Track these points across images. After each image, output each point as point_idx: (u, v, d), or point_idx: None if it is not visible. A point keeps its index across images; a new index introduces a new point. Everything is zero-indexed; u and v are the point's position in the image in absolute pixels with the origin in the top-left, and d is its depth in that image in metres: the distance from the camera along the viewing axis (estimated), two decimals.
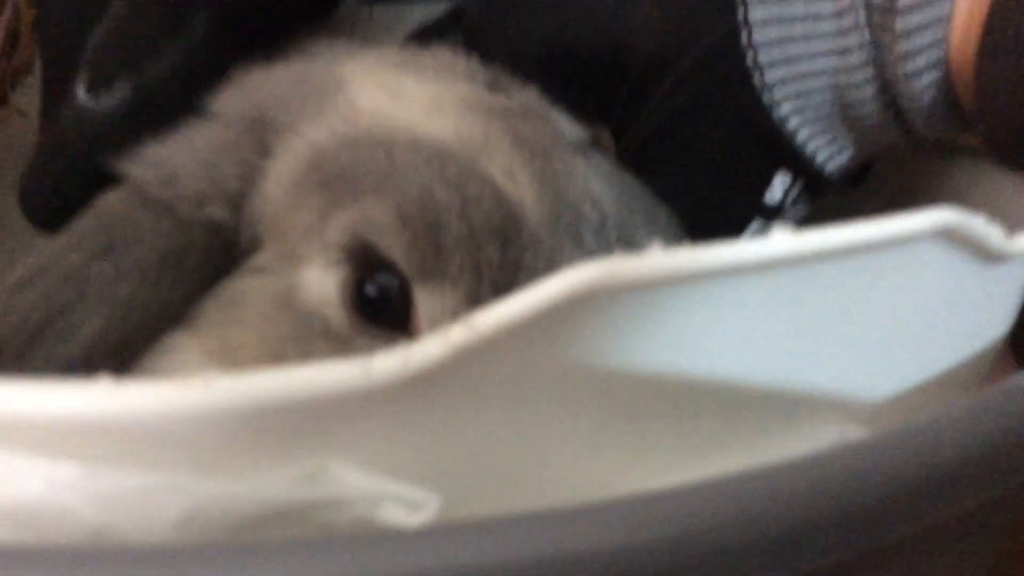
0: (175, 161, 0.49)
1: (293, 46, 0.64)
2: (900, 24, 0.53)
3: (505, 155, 0.48)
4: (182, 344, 0.48)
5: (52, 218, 0.57)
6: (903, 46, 0.53)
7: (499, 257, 0.44)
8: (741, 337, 0.34)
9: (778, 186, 0.59)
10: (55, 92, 0.63)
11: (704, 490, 0.29)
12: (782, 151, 0.58)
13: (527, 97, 0.56)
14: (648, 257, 0.30)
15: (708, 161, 0.59)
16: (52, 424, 0.26)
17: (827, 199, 0.62)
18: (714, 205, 0.60)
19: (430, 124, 0.48)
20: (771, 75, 0.57)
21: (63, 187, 0.56)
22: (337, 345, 0.44)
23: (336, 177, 0.46)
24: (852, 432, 0.40)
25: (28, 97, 0.96)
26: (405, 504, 0.29)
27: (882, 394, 0.41)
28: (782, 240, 0.33)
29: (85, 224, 0.49)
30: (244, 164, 0.49)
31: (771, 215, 0.60)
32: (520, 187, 0.47)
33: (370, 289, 0.44)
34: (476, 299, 0.43)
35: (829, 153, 0.59)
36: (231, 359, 0.47)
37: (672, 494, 0.28)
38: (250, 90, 0.53)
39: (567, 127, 0.58)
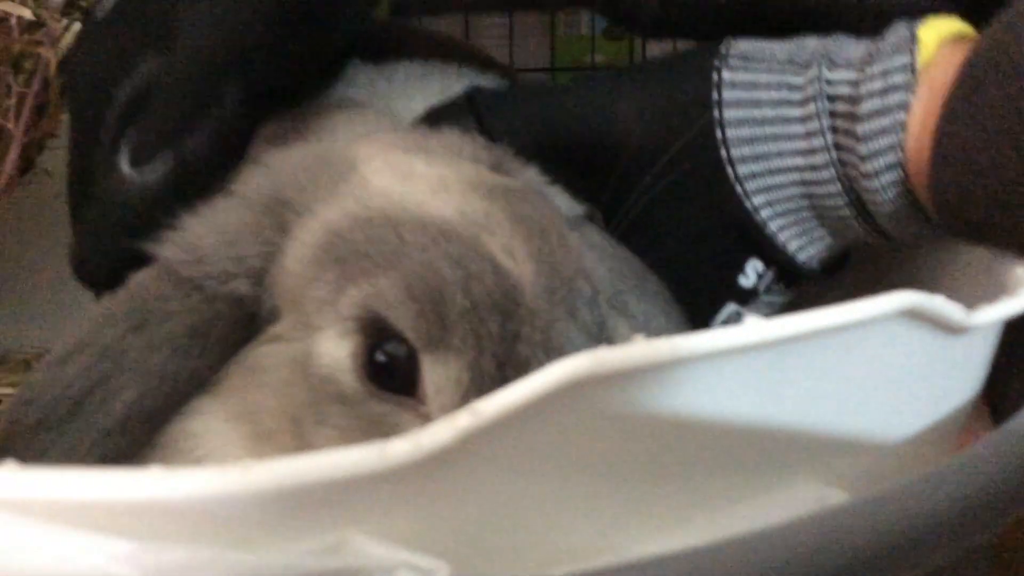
0: (202, 242, 0.53)
1: (315, 112, 0.69)
2: (861, 129, 0.58)
3: (505, 233, 0.52)
4: (207, 408, 0.53)
5: (107, 281, 0.61)
6: (864, 148, 0.58)
7: (499, 329, 0.48)
8: (722, 413, 0.38)
9: (751, 272, 0.64)
10: (83, 152, 0.67)
11: (692, 556, 0.32)
12: (754, 240, 0.63)
13: (528, 176, 0.61)
14: (632, 347, 0.34)
15: (685, 245, 0.64)
16: (110, 506, 0.30)
17: (807, 285, 0.67)
18: (690, 286, 0.65)
19: (436, 203, 0.53)
20: (743, 169, 0.62)
21: (112, 254, 0.61)
22: (349, 409, 0.48)
23: (349, 255, 0.50)
24: (831, 495, 0.43)
25: (53, 159, 1.01)
26: (418, 572, 0.32)
27: (858, 458, 0.45)
28: (753, 327, 0.36)
29: (120, 301, 0.53)
30: (265, 243, 0.53)
31: (745, 298, 0.65)
32: (519, 263, 0.50)
33: (380, 357, 0.48)
34: (478, 367, 0.47)
35: (800, 244, 0.64)
36: (252, 422, 0.51)
37: (656, 561, 0.32)
38: (270, 173, 0.57)
39: (563, 203, 0.62)
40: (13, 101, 0.89)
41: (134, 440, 0.51)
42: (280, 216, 0.54)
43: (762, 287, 0.65)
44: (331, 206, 0.54)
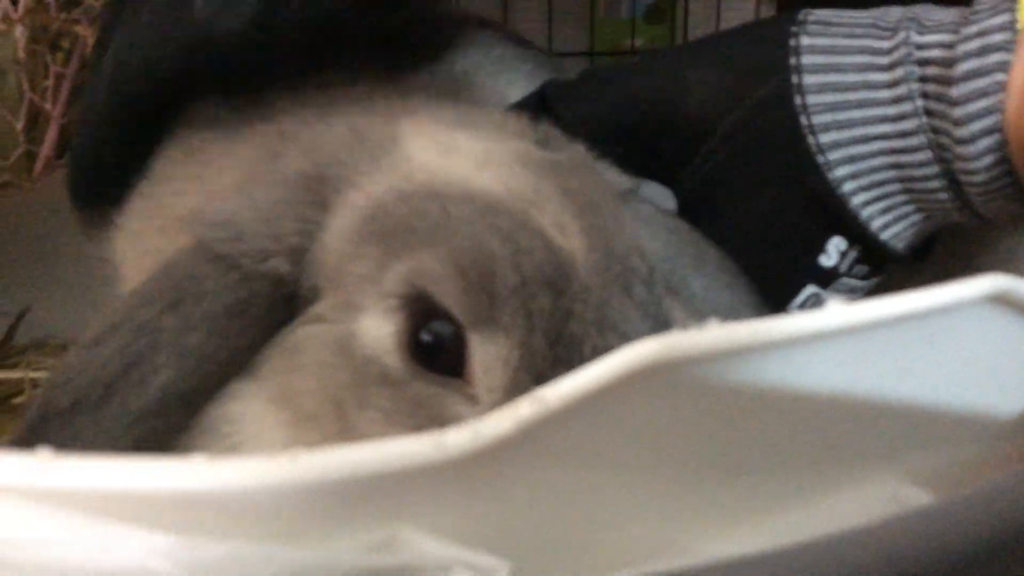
0: (239, 219, 0.52)
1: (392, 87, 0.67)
2: (956, 92, 0.54)
3: (555, 208, 0.49)
4: (246, 391, 0.51)
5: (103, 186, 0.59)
6: (959, 112, 0.54)
7: (550, 306, 0.46)
8: (797, 402, 0.35)
9: (832, 250, 0.61)
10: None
11: (771, 558, 0.30)
12: (836, 215, 0.60)
13: (575, 151, 0.58)
14: (705, 332, 0.31)
15: (759, 221, 0.61)
16: (150, 498, 0.28)
17: (893, 270, 0.64)
18: (765, 265, 0.61)
19: (482, 177, 0.51)
20: (825, 138, 0.59)
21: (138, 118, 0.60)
22: (393, 391, 0.46)
23: (392, 229, 0.48)
24: (906, 492, 0.41)
25: None
26: (476, 571, 0.30)
27: (938, 452, 0.42)
28: (835, 312, 0.34)
29: (155, 281, 0.52)
30: (304, 219, 0.51)
31: (826, 279, 0.61)
32: (570, 239, 0.48)
33: (425, 336, 0.46)
34: (528, 346, 0.45)
35: (885, 221, 0.60)
36: (293, 405, 0.49)
37: (736, 563, 0.29)
38: (305, 149, 0.55)
39: (614, 177, 0.60)
40: (51, 81, 0.88)
41: (171, 423, 0.49)
42: (319, 193, 0.52)
43: (844, 266, 0.61)
44: (373, 180, 0.52)
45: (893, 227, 0.61)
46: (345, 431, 0.47)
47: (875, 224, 0.60)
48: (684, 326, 0.49)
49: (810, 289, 0.62)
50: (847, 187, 0.59)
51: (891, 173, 0.59)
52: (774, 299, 0.62)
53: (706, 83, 0.61)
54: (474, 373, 0.46)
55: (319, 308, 0.51)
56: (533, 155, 0.54)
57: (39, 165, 0.93)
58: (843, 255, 0.61)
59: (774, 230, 0.61)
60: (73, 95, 0.90)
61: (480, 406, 0.45)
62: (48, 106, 0.89)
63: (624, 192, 0.59)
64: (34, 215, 1.06)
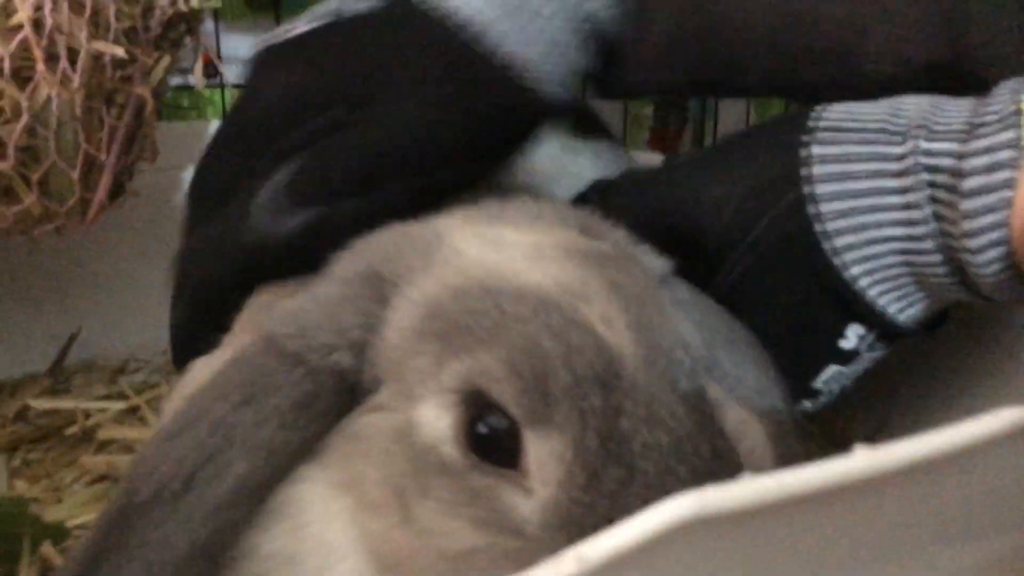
0: (305, 316, 0.55)
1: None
2: (965, 205, 0.56)
3: (603, 302, 0.52)
4: (311, 475, 0.54)
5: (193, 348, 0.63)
6: (968, 225, 0.57)
7: (602, 404, 0.48)
8: (834, 543, 0.37)
9: (852, 335, 0.64)
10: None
11: None
12: (854, 306, 0.63)
13: (616, 237, 0.61)
14: (739, 487, 0.33)
15: (782, 316, 0.64)
16: None
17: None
18: (789, 354, 0.64)
19: (533, 272, 0.53)
20: (840, 241, 0.62)
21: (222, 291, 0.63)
22: (452, 481, 0.49)
23: (450, 328, 0.51)
24: None
25: (140, 180, 1.04)
26: None
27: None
28: (862, 457, 0.35)
29: (226, 376, 0.55)
30: (365, 314, 0.54)
31: (847, 360, 0.64)
32: (618, 334, 0.51)
33: (482, 428, 0.49)
34: (581, 443, 0.47)
35: (900, 307, 0.63)
36: (356, 492, 0.52)
37: None
38: (358, 253, 0.58)
39: (651, 261, 0.62)
40: (105, 134, 0.91)
41: (245, 513, 0.52)
42: (378, 289, 0.55)
43: (863, 347, 0.64)
44: (429, 276, 0.54)
45: (908, 311, 0.64)
46: (407, 520, 0.49)
47: (890, 310, 0.63)
48: (721, 409, 0.52)
49: (832, 368, 0.65)
50: (863, 282, 0.62)
51: (904, 268, 0.61)
52: (799, 380, 0.65)
53: (727, 202, 0.64)
54: (529, 467, 0.48)
55: (380, 398, 0.54)
56: (579, 245, 0.56)
57: (93, 210, 0.96)
58: (861, 338, 0.64)
59: (798, 322, 0.64)
60: (126, 145, 0.93)
61: (535, 498, 0.48)
62: (102, 156, 0.92)
63: (662, 276, 0.61)
64: (83, 241, 1.10)
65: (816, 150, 0.62)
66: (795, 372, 0.64)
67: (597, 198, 0.69)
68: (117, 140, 0.91)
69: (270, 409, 0.52)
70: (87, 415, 1.09)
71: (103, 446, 1.02)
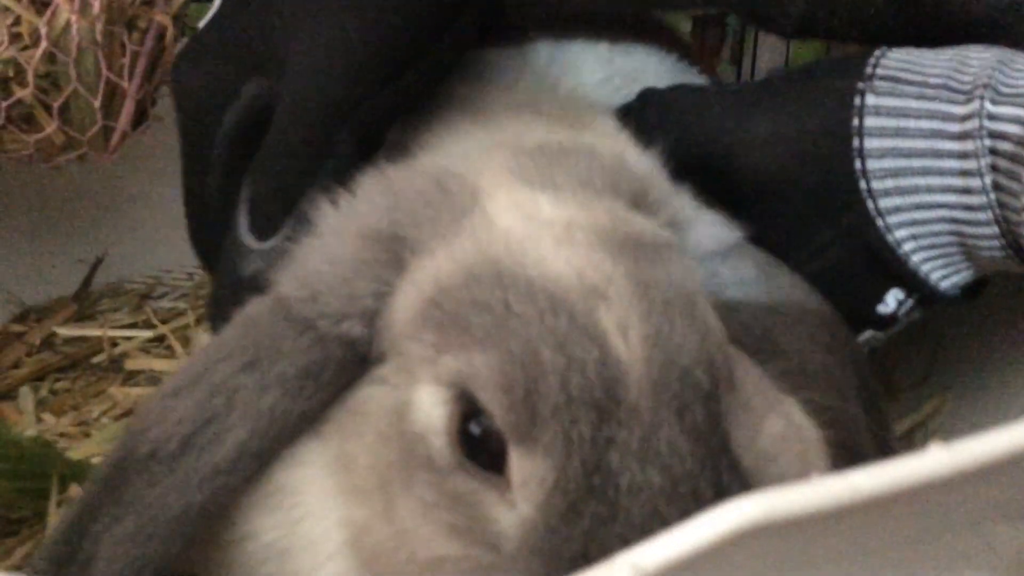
0: (317, 278, 0.52)
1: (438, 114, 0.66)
2: None
3: (624, 305, 0.47)
4: (311, 456, 0.52)
5: None
6: None
7: (592, 432, 0.44)
8: (892, 536, 0.35)
9: (891, 300, 0.60)
10: (195, 172, 0.67)
11: None
12: (896, 271, 0.59)
13: (674, 208, 0.56)
14: (805, 489, 0.31)
15: (819, 276, 0.60)
16: None
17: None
18: None
19: (556, 260, 0.49)
20: (885, 203, 0.58)
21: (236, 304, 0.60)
22: (436, 479, 0.47)
23: (450, 320, 0.48)
24: None
25: (164, 105, 1.02)
26: None
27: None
28: (937, 456, 0.33)
29: (233, 336, 0.53)
30: (380, 280, 0.52)
31: (884, 325, 0.61)
32: (631, 347, 0.46)
33: (473, 428, 0.47)
34: (564, 471, 0.44)
35: (944, 274, 0.60)
36: (347, 474, 0.51)
37: None
38: (388, 199, 0.54)
39: (717, 231, 0.58)
40: (127, 59, 0.88)
41: (244, 479, 0.51)
42: (396, 252, 0.52)
43: (901, 312, 0.61)
44: (448, 245, 0.51)
45: (951, 278, 0.60)
46: (388, 514, 0.48)
47: (933, 277, 0.60)
48: (750, 428, 0.48)
49: (868, 333, 0.62)
50: (907, 247, 0.59)
51: (952, 237, 0.58)
52: None
53: (772, 144, 0.60)
54: (512, 480, 0.46)
55: (384, 370, 0.52)
56: (617, 228, 0.52)
57: (115, 139, 0.93)
58: (900, 303, 0.61)
59: (835, 284, 0.60)
60: (148, 72, 0.90)
61: (516, 513, 0.45)
62: (124, 84, 0.89)
63: (728, 247, 0.58)
64: (108, 165, 1.08)
65: (871, 100, 0.58)
66: None
67: (641, 112, 0.65)
68: (139, 67, 0.89)
69: (275, 376, 0.51)
70: (114, 343, 1.09)
71: (130, 377, 1.02)
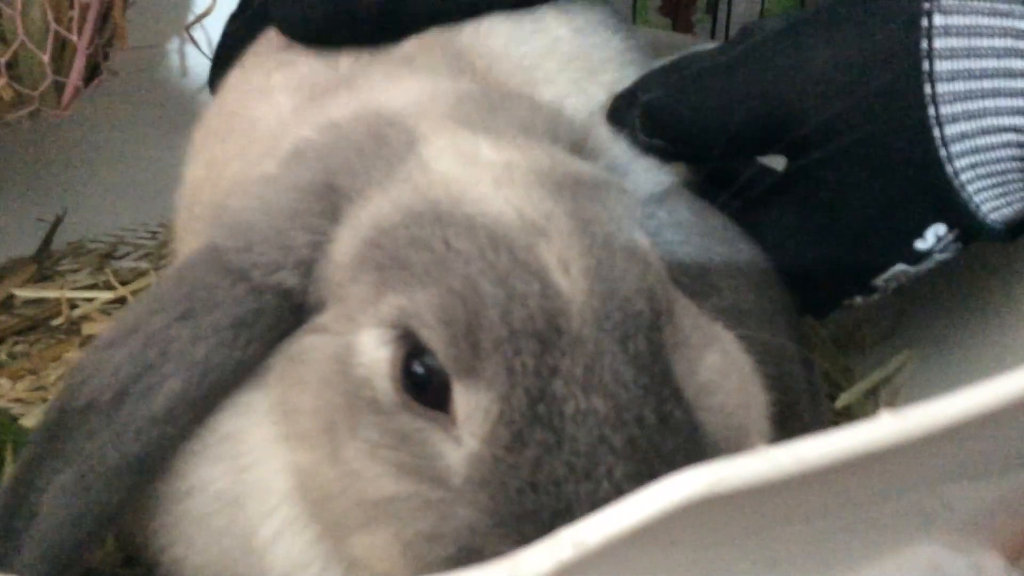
0: (252, 228, 0.52)
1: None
2: None
3: (564, 241, 0.48)
4: (252, 404, 0.53)
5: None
6: None
7: (535, 362, 0.45)
8: (840, 501, 0.35)
9: (931, 236, 0.58)
10: None
11: None
12: (945, 203, 0.57)
13: (613, 154, 0.56)
14: (750, 461, 0.31)
15: (860, 207, 0.58)
16: None
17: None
18: (859, 249, 0.59)
19: (496, 199, 0.49)
20: (951, 130, 0.55)
21: None
22: (382, 420, 0.47)
23: (391, 259, 0.48)
24: (943, 557, 0.41)
25: (119, 59, 1.00)
26: None
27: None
28: (886, 424, 0.33)
29: (168, 287, 0.53)
30: (315, 231, 0.52)
31: (917, 260, 0.59)
32: (572, 280, 0.47)
33: (417, 368, 0.47)
34: (508, 402, 0.44)
35: (997, 204, 0.58)
36: (290, 421, 0.51)
37: None
38: (322, 149, 0.54)
39: (652, 177, 0.58)
40: (76, 12, 0.85)
41: (180, 429, 0.51)
42: (331, 202, 0.52)
43: (938, 248, 0.59)
44: (385, 192, 0.51)
45: (1003, 209, 0.58)
46: (334, 457, 0.48)
47: (984, 208, 0.57)
48: (692, 360, 0.48)
49: (899, 267, 0.60)
50: (965, 176, 0.56)
51: (1014, 163, 0.55)
52: (862, 274, 0.60)
53: (834, 76, 0.57)
54: (457, 415, 0.46)
55: (324, 318, 0.52)
56: (556, 169, 0.52)
57: (67, 94, 0.91)
58: (939, 239, 0.59)
59: (878, 214, 0.58)
60: (98, 25, 0.88)
61: (463, 448, 0.45)
62: (73, 37, 0.87)
63: (662, 191, 0.58)
64: (65, 121, 1.05)
65: (939, 20, 0.55)
66: (859, 268, 0.60)
67: (649, 107, 0.62)
68: (88, 20, 0.86)
69: (209, 326, 0.51)
70: (73, 306, 1.07)
71: (88, 341, 1.00)
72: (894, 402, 0.80)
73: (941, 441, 0.35)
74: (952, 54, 0.54)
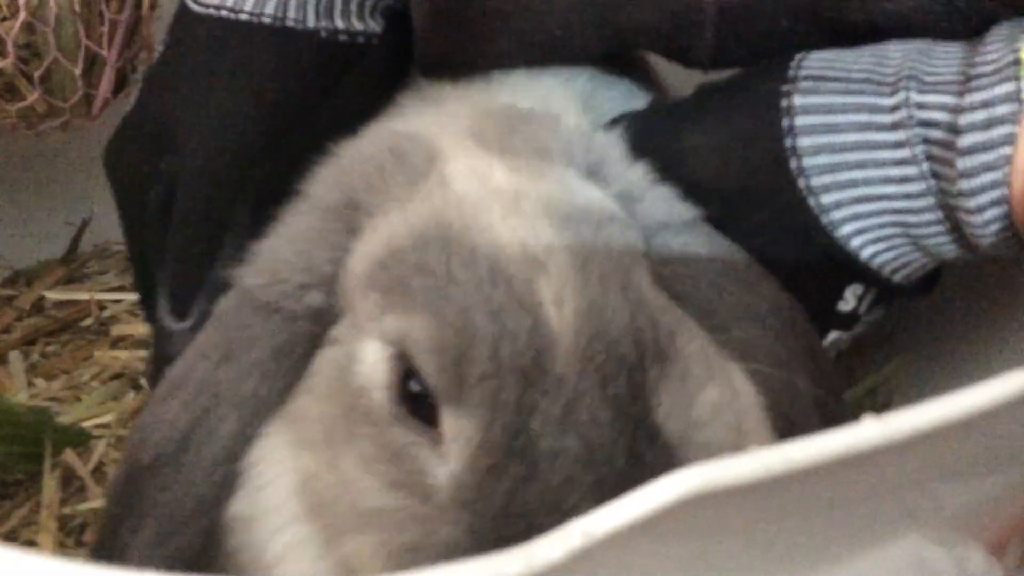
0: (276, 258, 0.55)
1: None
2: (962, 164, 0.53)
3: (561, 276, 0.50)
4: (275, 426, 0.54)
5: None
6: (965, 184, 0.53)
7: (516, 400, 0.47)
8: (831, 499, 0.38)
9: (850, 297, 0.61)
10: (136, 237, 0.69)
11: None
12: (848, 266, 0.60)
13: (628, 180, 0.58)
14: (741, 461, 0.34)
15: (779, 276, 0.60)
16: None
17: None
18: None
19: (503, 229, 0.51)
20: (826, 198, 0.58)
21: None
22: (376, 432, 0.50)
23: (396, 283, 0.51)
24: (929, 552, 0.43)
25: (143, 70, 1.02)
26: None
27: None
28: (869, 428, 0.36)
29: (208, 335, 0.56)
30: (335, 247, 0.55)
31: (847, 323, 0.62)
32: (563, 318, 0.49)
33: (413, 385, 0.50)
34: (488, 433, 0.47)
35: (896, 266, 0.60)
36: (296, 427, 0.54)
37: None
38: (342, 169, 0.57)
39: (669, 208, 0.59)
40: (106, 28, 0.89)
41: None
42: (350, 219, 0.55)
43: (863, 309, 0.62)
44: (404, 208, 0.54)
45: (903, 271, 0.61)
46: (333, 464, 0.51)
47: (886, 270, 0.60)
48: (681, 398, 0.50)
49: (833, 335, 0.63)
50: (855, 242, 0.59)
51: (898, 229, 0.58)
52: None
53: (700, 150, 0.61)
54: (445, 436, 0.49)
55: (338, 330, 0.54)
56: (564, 200, 0.54)
57: (97, 106, 0.95)
58: (860, 299, 0.61)
59: (794, 286, 0.60)
60: (126, 40, 0.91)
61: (448, 467, 0.48)
62: (104, 52, 0.90)
63: (681, 223, 0.59)
64: (94, 130, 1.08)
65: (797, 100, 0.58)
66: None
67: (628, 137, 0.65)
68: (118, 35, 0.90)
69: (250, 363, 0.53)
70: (102, 307, 1.10)
71: (117, 342, 1.04)
72: (891, 403, 0.82)
73: (923, 444, 0.38)
74: (813, 130, 0.57)
